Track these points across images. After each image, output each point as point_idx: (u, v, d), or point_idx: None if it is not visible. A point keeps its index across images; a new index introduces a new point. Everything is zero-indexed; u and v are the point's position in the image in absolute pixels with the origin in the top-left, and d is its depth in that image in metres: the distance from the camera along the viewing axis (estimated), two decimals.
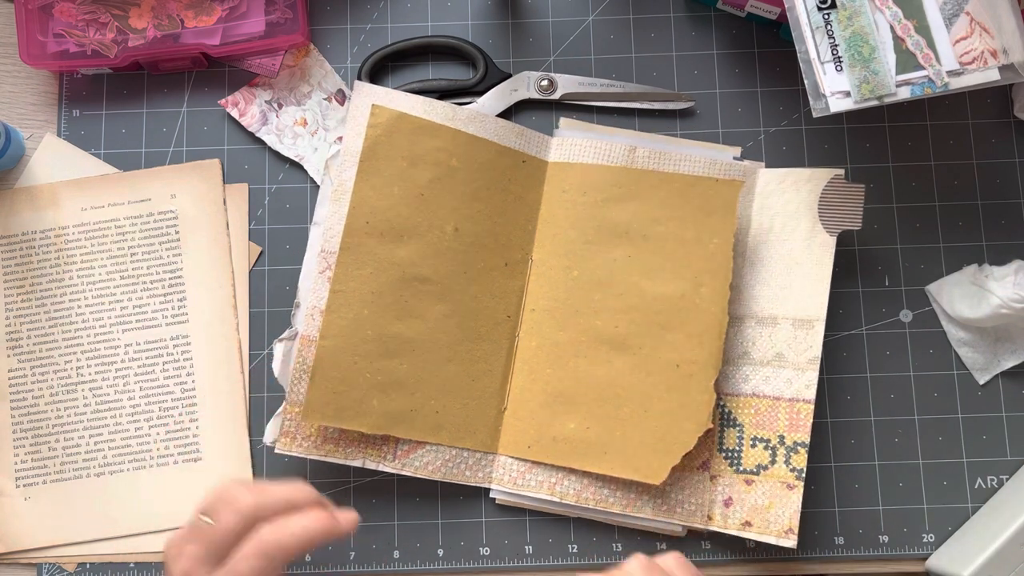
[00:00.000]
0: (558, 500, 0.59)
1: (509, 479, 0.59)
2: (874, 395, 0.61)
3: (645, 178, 0.61)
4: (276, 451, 0.58)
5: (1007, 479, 0.61)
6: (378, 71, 0.64)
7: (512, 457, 0.59)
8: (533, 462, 0.59)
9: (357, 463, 0.58)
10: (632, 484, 0.58)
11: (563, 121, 0.63)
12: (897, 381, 0.62)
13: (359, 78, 0.63)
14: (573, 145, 0.61)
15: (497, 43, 0.65)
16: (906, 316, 0.62)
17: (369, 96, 0.61)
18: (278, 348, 0.59)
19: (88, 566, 0.60)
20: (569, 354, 0.59)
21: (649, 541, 0.60)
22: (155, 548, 0.60)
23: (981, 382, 0.61)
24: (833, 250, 0.59)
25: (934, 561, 0.59)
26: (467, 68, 0.65)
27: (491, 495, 0.60)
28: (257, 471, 0.61)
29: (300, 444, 0.58)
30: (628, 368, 0.59)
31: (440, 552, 0.60)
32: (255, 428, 0.61)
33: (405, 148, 0.60)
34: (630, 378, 0.59)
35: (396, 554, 0.60)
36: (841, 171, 0.59)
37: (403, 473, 0.59)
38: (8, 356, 0.61)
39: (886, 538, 0.60)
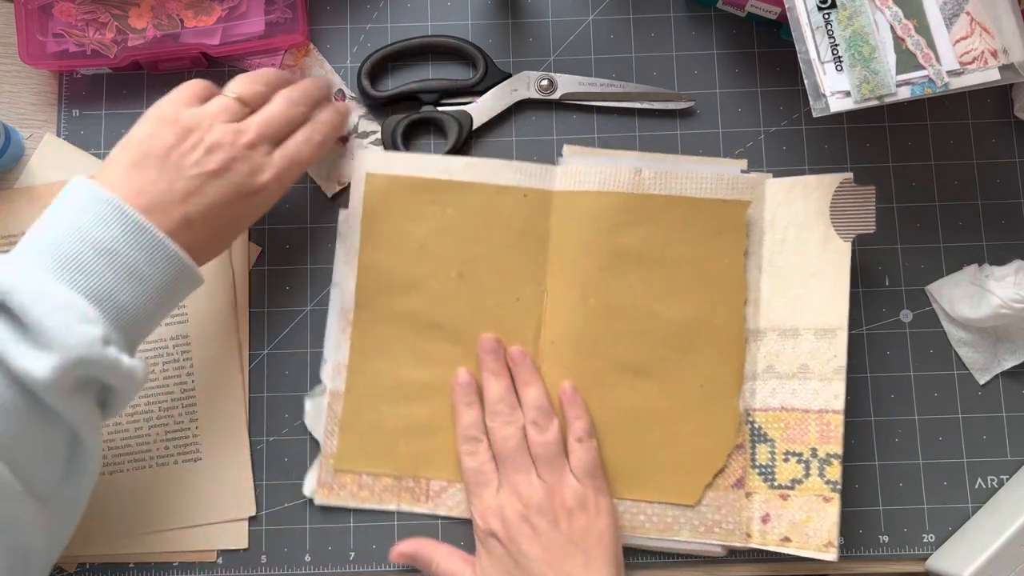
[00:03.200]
0: None
1: None
2: (874, 395, 0.61)
3: (653, 202, 0.60)
4: (316, 503, 0.59)
5: (1007, 479, 0.61)
6: (378, 71, 0.64)
7: None
8: None
9: (392, 507, 0.60)
10: (667, 508, 0.58)
11: (566, 148, 0.63)
12: (897, 381, 0.62)
13: (359, 78, 0.63)
14: (578, 173, 0.61)
15: (497, 43, 0.65)
16: (906, 316, 0.62)
17: (367, 160, 0.62)
18: (308, 403, 0.61)
19: (88, 566, 0.60)
20: (592, 384, 0.59)
21: (688, 564, 0.60)
22: (155, 548, 0.60)
23: (981, 382, 0.61)
24: (849, 256, 0.58)
25: (934, 561, 0.59)
26: (467, 68, 0.65)
27: None
28: (257, 471, 0.61)
29: (337, 494, 0.60)
30: (652, 393, 0.59)
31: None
32: (255, 428, 0.61)
33: (402, 207, 0.61)
34: (655, 403, 0.59)
35: None
36: (850, 175, 0.59)
37: (437, 513, 0.59)
38: None
39: (886, 538, 0.60)
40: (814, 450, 0.57)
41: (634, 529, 0.59)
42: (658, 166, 0.61)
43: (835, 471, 0.56)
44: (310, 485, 0.60)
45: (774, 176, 0.61)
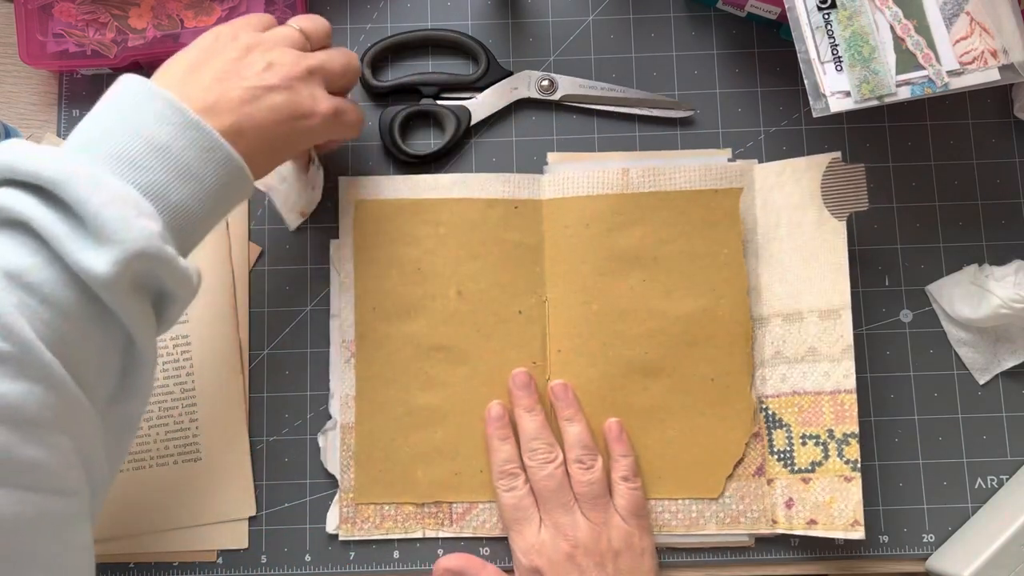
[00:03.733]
0: None
1: None
2: (874, 395, 0.61)
3: (645, 200, 0.61)
4: (340, 539, 0.60)
5: (1007, 479, 0.61)
6: (380, 62, 0.64)
7: None
8: None
9: (418, 535, 0.59)
10: (692, 503, 0.59)
11: (551, 156, 0.63)
12: (897, 381, 0.62)
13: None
14: (565, 179, 0.61)
15: (497, 43, 0.65)
16: (906, 316, 0.62)
17: (352, 188, 0.62)
18: (322, 439, 0.60)
19: None
20: (605, 389, 0.59)
21: (716, 554, 0.60)
22: (155, 548, 0.60)
23: (981, 382, 0.61)
24: (845, 235, 0.58)
25: (934, 561, 0.59)
26: (468, 64, 0.65)
27: None
28: (257, 471, 0.61)
29: (360, 527, 0.59)
30: (665, 391, 0.59)
31: (440, 552, 0.60)
32: (255, 428, 0.61)
33: (394, 231, 0.61)
34: (669, 400, 0.59)
35: (396, 554, 0.60)
36: (838, 154, 0.59)
37: (463, 535, 0.59)
38: None
39: (886, 538, 0.60)
40: (831, 431, 0.57)
41: (660, 528, 0.59)
42: (645, 164, 0.61)
43: (853, 450, 0.57)
44: (333, 522, 0.60)
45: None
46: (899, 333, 0.62)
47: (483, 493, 0.59)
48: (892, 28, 0.54)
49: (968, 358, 0.62)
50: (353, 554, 0.60)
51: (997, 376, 0.61)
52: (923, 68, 0.53)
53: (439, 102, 0.63)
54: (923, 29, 0.53)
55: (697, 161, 0.61)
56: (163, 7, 0.63)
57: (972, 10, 0.53)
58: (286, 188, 0.62)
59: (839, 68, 0.54)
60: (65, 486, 0.41)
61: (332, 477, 0.60)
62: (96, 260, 0.40)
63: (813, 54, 0.54)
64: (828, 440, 0.57)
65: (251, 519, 0.60)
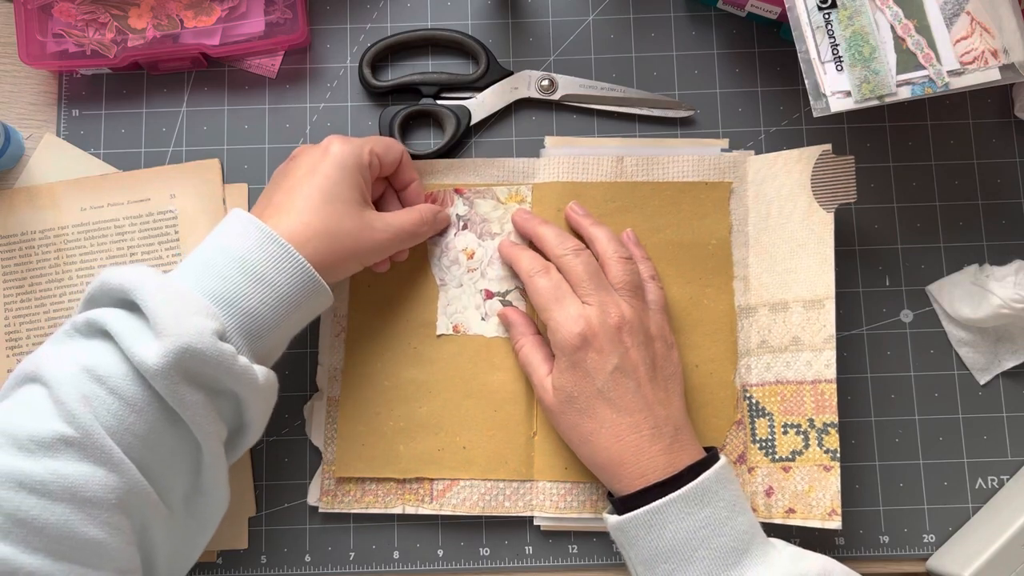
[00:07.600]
0: (602, 517, 0.57)
1: (551, 504, 0.59)
2: (874, 395, 0.61)
3: (637, 189, 0.61)
4: (320, 511, 0.60)
5: (1008, 479, 0.61)
6: (379, 61, 0.64)
7: (550, 481, 0.59)
8: (572, 483, 0.59)
9: (397, 510, 0.59)
10: None
11: (548, 140, 0.63)
12: (898, 381, 0.62)
13: (360, 68, 0.63)
14: (560, 164, 0.62)
15: (497, 42, 0.65)
16: (907, 316, 0.62)
17: None
18: (307, 410, 0.61)
19: None
20: None
21: None
22: None
23: (982, 382, 0.61)
24: (832, 226, 0.58)
25: (935, 561, 0.59)
26: (468, 64, 0.65)
27: (535, 523, 0.60)
28: (257, 471, 0.61)
29: (341, 501, 0.60)
30: None
31: (440, 552, 0.60)
32: None
33: None
34: None
35: (396, 554, 0.60)
36: (829, 146, 0.59)
37: (443, 512, 0.59)
38: (8, 356, 0.61)
39: (886, 538, 0.60)
40: (811, 420, 0.57)
41: None
42: (640, 152, 0.62)
43: (833, 440, 0.56)
44: (314, 494, 0.60)
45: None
46: (899, 333, 0.62)
47: (465, 470, 0.59)
48: (892, 28, 0.54)
49: (968, 358, 0.62)
50: (353, 554, 0.60)
51: (997, 376, 0.61)
52: (923, 68, 0.53)
53: (439, 102, 0.63)
54: (923, 29, 0.53)
55: (692, 151, 0.62)
56: (163, 7, 0.63)
57: (972, 10, 0.53)
58: None
59: (839, 68, 0.54)
60: (123, 565, 0.45)
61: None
62: (147, 352, 0.45)
63: (813, 54, 0.54)
64: (809, 429, 0.57)
65: (251, 519, 0.60)
